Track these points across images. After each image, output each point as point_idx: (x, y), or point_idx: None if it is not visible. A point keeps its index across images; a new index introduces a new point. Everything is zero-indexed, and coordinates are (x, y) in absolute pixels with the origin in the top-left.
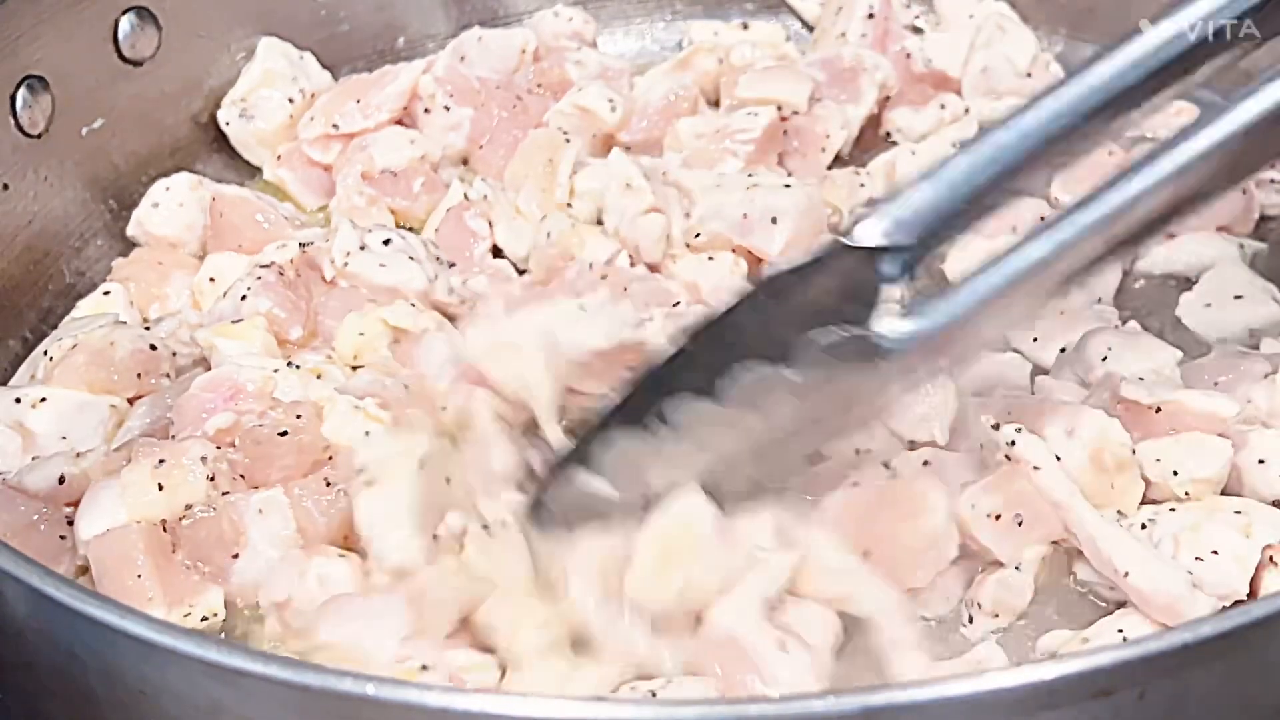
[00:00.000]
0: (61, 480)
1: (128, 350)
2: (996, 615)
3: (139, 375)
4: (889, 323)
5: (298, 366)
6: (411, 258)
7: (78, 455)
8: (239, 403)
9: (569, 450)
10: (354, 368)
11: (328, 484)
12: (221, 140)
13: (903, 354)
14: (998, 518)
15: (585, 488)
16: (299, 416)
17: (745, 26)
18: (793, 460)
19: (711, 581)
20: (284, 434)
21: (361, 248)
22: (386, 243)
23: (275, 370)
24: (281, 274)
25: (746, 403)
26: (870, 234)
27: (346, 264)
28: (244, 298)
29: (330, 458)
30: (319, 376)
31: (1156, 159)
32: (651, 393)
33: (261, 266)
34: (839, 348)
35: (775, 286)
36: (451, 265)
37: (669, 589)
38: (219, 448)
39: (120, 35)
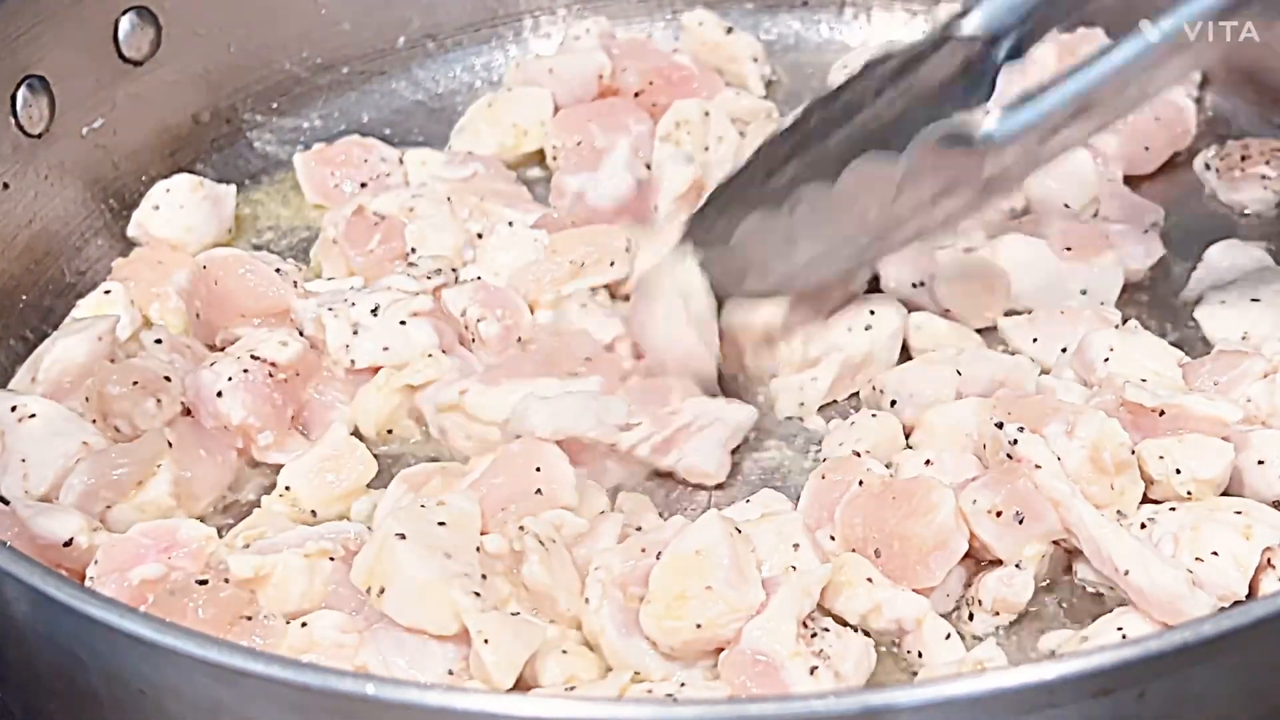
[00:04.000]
0: (69, 544)
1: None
2: (997, 613)
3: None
4: (995, 113)
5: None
6: (403, 322)
7: (95, 530)
8: (172, 556)
9: (697, 217)
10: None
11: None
12: (221, 140)
13: (1005, 144)
14: (998, 514)
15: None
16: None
17: None
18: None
19: (726, 622)
20: (203, 582)
21: (354, 332)
22: (374, 312)
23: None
24: (271, 375)
25: (859, 187)
26: (979, 23)
27: (353, 360)
28: (220, 394)
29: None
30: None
31: None
32: (768, 165)
33: (253, 357)
34: (948, 136)
35: (884, 72)
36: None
37: (683, 630)
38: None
39: (120, 35)
